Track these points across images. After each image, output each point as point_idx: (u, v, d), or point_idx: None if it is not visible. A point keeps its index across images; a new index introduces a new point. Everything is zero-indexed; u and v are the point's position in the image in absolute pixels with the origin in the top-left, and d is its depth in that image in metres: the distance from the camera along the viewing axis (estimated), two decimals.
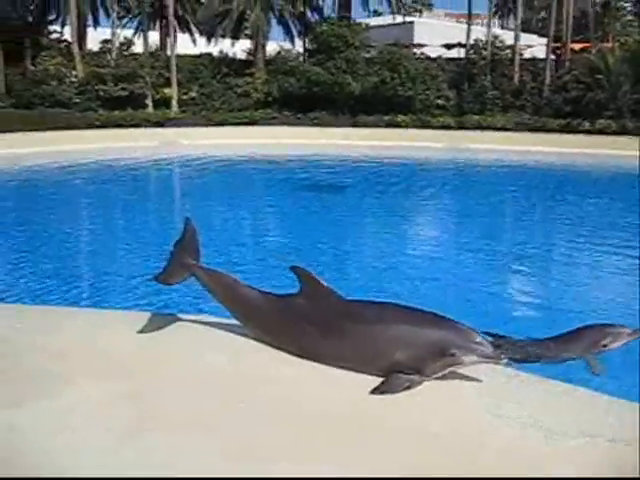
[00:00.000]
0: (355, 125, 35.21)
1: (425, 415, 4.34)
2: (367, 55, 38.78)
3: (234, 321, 5.63)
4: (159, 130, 33.80)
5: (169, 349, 5.39)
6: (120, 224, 16.61)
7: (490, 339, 5.14)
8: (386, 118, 35.34)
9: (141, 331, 5.59)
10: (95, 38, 40.69)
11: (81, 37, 38.25)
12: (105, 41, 39.52)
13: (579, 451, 3.88)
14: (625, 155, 28.28)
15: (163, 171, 26.65)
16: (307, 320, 5.03)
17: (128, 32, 43.81)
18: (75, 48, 36.24)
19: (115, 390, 4.53)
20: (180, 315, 6.13)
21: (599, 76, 33.69)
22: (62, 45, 38.98)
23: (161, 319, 5.95)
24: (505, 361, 4.66)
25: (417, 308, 5.04)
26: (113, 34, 39.45)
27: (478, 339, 4.62)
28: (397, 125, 35.07)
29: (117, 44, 39.21)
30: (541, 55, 39.55)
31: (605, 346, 5.71)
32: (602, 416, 4.41)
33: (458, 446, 3.92)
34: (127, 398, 4.44)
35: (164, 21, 41.64)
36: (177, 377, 4.84)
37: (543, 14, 60.07)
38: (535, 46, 43.47)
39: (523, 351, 5.79)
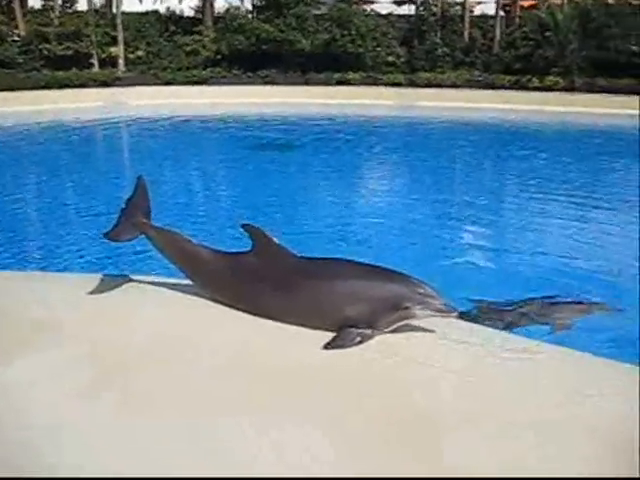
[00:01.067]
0: (306, 83, 34.94)
1: (375, 367, 4.37)
2: (317, 12, 38.37)
3: (186, 280, 5.59)
4: (106, 90, 33.09)
5: (121, 310, 5.34)
6: (69, 186, 16.29)
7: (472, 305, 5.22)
8: (336, 76, 35.14)
9: (91, 292, 5.53)
10: None
11: None
12: None
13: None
14: (572, 112, 28.73)
15: (110, 132, 26.12)
16: (259, 277, 5.01)
17: None
18: (16, 6, 35.08)
19: (71, 354, 4.48)
20: (131, 276, 6.06)
21: (548, 33, 33.92)
22: (2, 2, 37.66)
23: (112, 280, 5.88)
24: (456, 314, 4.70)
25: (369, 264, 5.06)
26: None
27: (431, 292, 4.65)
28: (347, 83, 34.90)
29: (60, 1, 38.09)
30: (491, 12, 39.57)
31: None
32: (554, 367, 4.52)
33: (406, 390, 3.97)
34: (82, 361, 4.39)
35: None
36: (129, 337, 4.80)
37: None
38: (485, 3, 43.46)
39: (503, 317, 5.94)
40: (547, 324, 6.50)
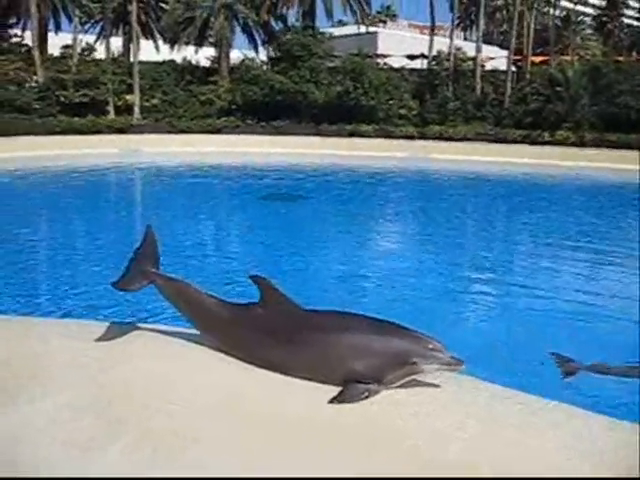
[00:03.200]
0: (318, 134, 35.29)
1: (383, 424, 4.33)
2: (331, 64, 38.99)
3: (193, 330, 5.58)
4: (121, 137, 33.52)
5: (128, 359, 5.32)
6: (81, 232, 16.37)
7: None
8: (349, 127, 35.51)
9: (99, 340, 5.52)
10: (56, 43, 40.24)
11: (42, 42, 37.77)
12: (66, 46, 39.20)
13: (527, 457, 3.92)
14: (583, 166, 28.89)
15: (124, 179, 26.38)
16: (266, 330, 5.00)
17: (90, 38, 43.40)
18: (36, 53, 35.82)
19: (76, 401, 4.46)
20: (139, 324, 6.06)
21: (559, 88, 34.28)
22: (22, 49, 38.48)
23: (119, 328, 5.87)
24: (463, 367, 4.68)
25: (376, 317, 5.04)
26: (75, 39, 39.15)
27: (437, 346, 4.64)
28: (360, 135, 35.26)
29: (79, 49, 38.90)
30: (502, 67, 40.11)
31: None
32: (554, 424, 4.47)
33: (414, 453, 3.92)
34: (88, 410, 4.36)
35: (127, 27, 41.34)
36: (137, 387, 4.78)
37: (505, 27, 60.87)
38: (496, 58, 44.10)
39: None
40: None
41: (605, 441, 4.20)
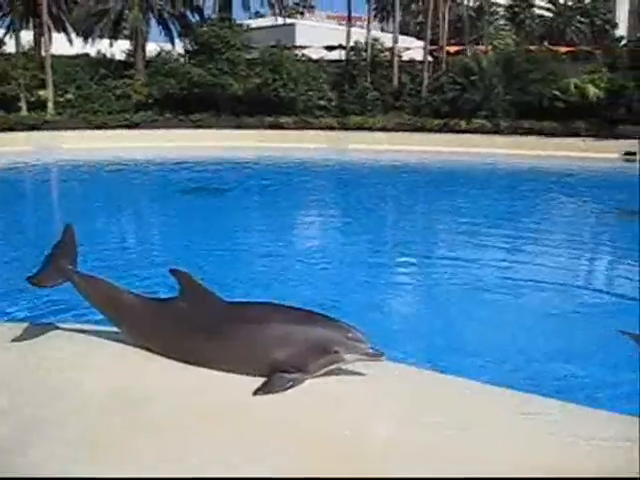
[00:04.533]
0: (238, 127, 35.09)
1: (306, 412, 4.36)
2: (249, 56, 38.72)
3: (113, 328, 5.49)
4: (35, 134, 32.57)
5: (45, 360, 5.20)
6: None
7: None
8: (269, 119, 35.44)
9: (15, 340, 5.37)
10: None
11: None
12: None
13: (453, 442, 4.00)
14: (498, 153, 29.65)
15: (39, 177, 25.65)
16: (187, 324, 4.96)
17: None
18: None
19: None
20: (57, 324, 5.92)
21: (473, 77, 34.97)
22: None
23: (37, 329, 5.73)
24: (383, 358, 4.74)
25: (298, 307, 5.08)
26: None
27: (359, 336, 4.70)
28: (280, 126, 35.20)
29: None
30: (419, 57, 40.64)
31: None
32: (476, 405, 4.58)
33: (342, 445, 3.96)
34: (4, 414, 4.25)
35: (37, 20, 40.05)
36: (56, 390, 4.68)
37: (420, 18, 61.71)
38: (413, 49, 44.67)
39: None
40: None
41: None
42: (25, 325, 5.81)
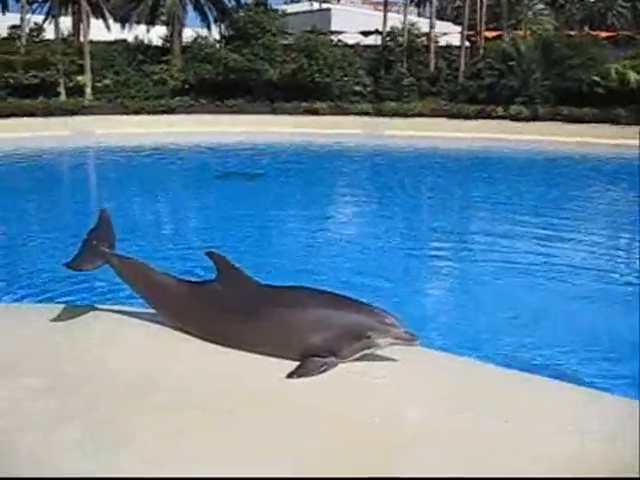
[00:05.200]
0: (273, 112, 35.11)
1: (339, 397, 4.38)
2: (284, 42, 38.66)
3: (149, 309, 5.56)
4: (73, 119, 32.93)
5: (85, 341, 5.28)
6: (34, 215, 16.11)
7: None
8: (304, 105, 35.37)
9: (54, 320, 5.47)
10: (3, 23, 39.17)
11: None
12: (14, 27, 38.17)
13: (486, 430, 3.99)
14: (538, 140, 29.27)
15: (78, 161, 25.98)
16: (223, 306, 5.01)
17: (38, 18, 42.37)
18: None
19: (33, 385, 4.41)
20: (96, 305, 6.01)
21: (511, 63, 34.51)
22: None
23: (76, 310, 5.83)
24: (417, 342, 4.74)
25: (332, 292, 5.09)
26: (22, 19, 38.13)
27: (392, 321, 4.70)
28: (315, 112, 35.12)
29: (27, 30, 37.96)
30: (456, 42, 40.21)
31: None
32: (511, 394, 4.56)
33: (374, 430, 3.97)
34: (46, 392, 4.33)
35: (76, 6, 40.37)
36: (91, 369, 4.75)
37: (458, 2, 61.03)
38: (450, 34, 44.15)
39: None
40: None
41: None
42: (63, 307, 5.90)
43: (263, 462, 3.61)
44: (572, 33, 40.49)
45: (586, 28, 47.46)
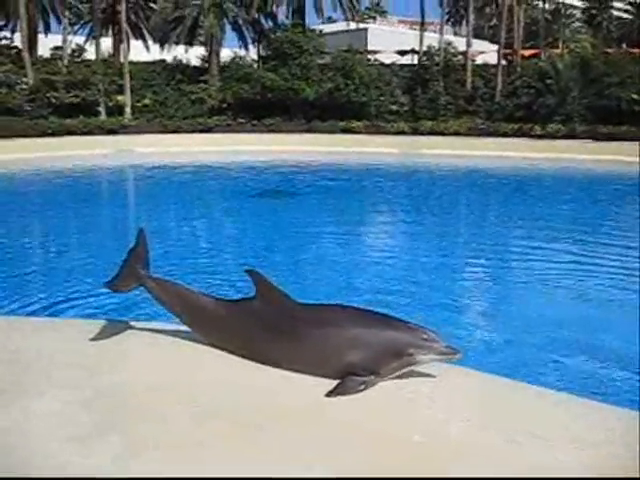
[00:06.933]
0: (310, 131, 35.30)
1: (377, 413, 4.34)
2: (321, 61, 38.97)
3: (186, 328, 5.57)
4: (113, 138, 33.46)
5: (120, 356, 5.32)
6: (74, 233, 16.32)
7: None
8: (341, 124, 35.55)
9: (94, 339, 5.50)
10: (46, 45, 40.12)
11: (32, 43, 37.60)
12: (56, 48, 39.09)
13: (524, 450, 3.92)
14: (575, 159, 28.97)
15: (116, 179, 26.33)
16: (262, 324, 5.00)
17: (80, 39, 43.31)
18: (25, 54, 35.65)
19: (75, 399, 4.45)
20: (131, 322, 6.05)
21: (549, 81, 34.34)
22: (12, 52, 38.31)
23: (113, 326, 5.86)
24: (460, 356, 4.69)
25: (370, 310, 5.06)
26: (64, 41, 39.04)
27: (433, 336, 4.66)
28: (352, 131, 35.25)
29: (69, 51, 38.82)
30: (493, 61, 40.14)
31: None
32: (547, 412, 4.48)
33: (414, 447, 3.93)
34: (86, 406, 4.36)
35: (116, 27, 41.20)
36: (128, 384, 4.77)
37: (494, 21, 60.96)
38: (487, 52, 44.17)
39: None
40: None
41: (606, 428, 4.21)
42: (100, 322, 5.95)
43: (295, 475, 3.58)
44: (610, 51, 40.14)
45: (624, 46, 47.00)
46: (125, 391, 4.66)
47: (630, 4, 61.67)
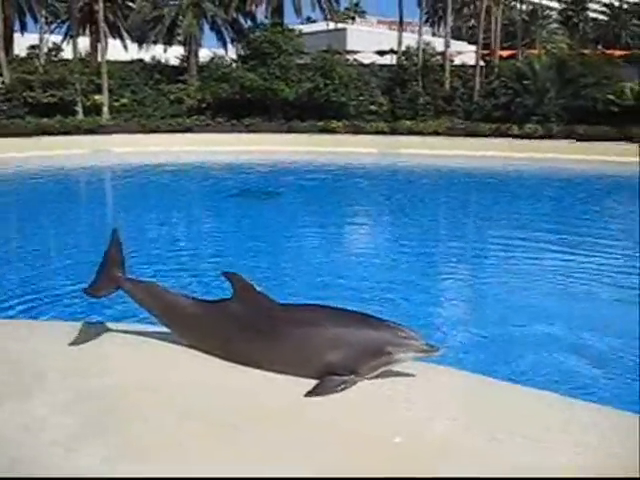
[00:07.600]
0: (289, 131, 35.30)
1: (355, 412, 4.35)
2: (300, 61, 38.93)
3: (164, 328, 5.55)
4: (90, 137, 33.23)
5: (103, 360, 5.29)
6: (49, 234, 16.19)
7: None
8: (320, 124, 35.56)
9: (73, 343, 5.46)
10: (22, 44, 39.75)
11: (7, 42, 37.16)
12: (32, 47, 38.72)
13: (507, 450, 3.95)
14: (550, 158, 29.21)
15: (94, 180, 26.15)
16: (240, 325, 4.99)
17: (57, 38, 42.95)
18: (1, 54, 35.22)
19: (51, 402, 4.42)
20: (110, 325, 6.01)
21: (526, 82, 34.59)
22: None
23: (92, 329, 5.82)
24: (439, 353, 4.71)
25: (348, 309, 5.08)
26: (41, 39, 38.69)
27: (411, 334, 4.67)
28: (331, 131, 35.30)
29: (45, 50, 38.47)
30: (471, 62, 40.34)
31: None
32: (530, 411, 4.51)
33: (394, 446, 3.94)
34: (65, 411, 4.33)
35: (94, 26, 40.91)
36: (108, 386, 4.75)
37: (472, 22, 61.29)
38: (465, 53, 44.36)
39: None
40: None
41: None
42: (80, 324, 5.91)
43: (272, 474, 3.58)
44: (586, 52, 40.52)
45: (600, 47, 47.47)
46: (108, 394, 4.63)
47: (606, 6, 62.35)
